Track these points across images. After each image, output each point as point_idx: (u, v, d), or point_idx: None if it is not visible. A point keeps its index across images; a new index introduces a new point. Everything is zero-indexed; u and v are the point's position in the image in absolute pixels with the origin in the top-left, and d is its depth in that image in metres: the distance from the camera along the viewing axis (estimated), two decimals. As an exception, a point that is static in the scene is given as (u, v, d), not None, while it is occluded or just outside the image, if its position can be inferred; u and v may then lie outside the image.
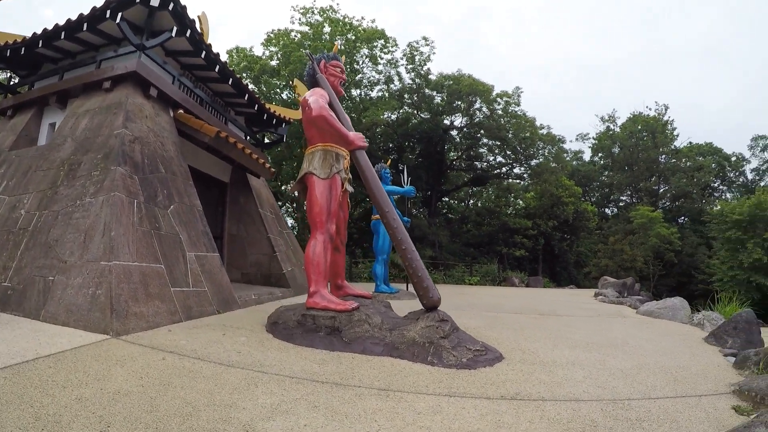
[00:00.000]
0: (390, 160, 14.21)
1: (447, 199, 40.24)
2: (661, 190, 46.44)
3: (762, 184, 46.08)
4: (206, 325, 5.91)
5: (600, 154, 49.50)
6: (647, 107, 65.39)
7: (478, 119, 31.00)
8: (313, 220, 5.68)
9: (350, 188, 6.27)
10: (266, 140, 15.07)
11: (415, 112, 31.42)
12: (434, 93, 30.81)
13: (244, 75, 26.93)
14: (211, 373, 4.02)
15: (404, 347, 4.78)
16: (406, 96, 30.82)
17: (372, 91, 30.53)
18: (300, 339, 5.15)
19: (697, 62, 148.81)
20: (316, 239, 5.60)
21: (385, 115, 29.74)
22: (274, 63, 28.72)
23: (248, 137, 13.24)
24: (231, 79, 10.59)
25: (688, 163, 45.50)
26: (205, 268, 7.32)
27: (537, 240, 34.96)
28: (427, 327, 4.88)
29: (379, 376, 4.23)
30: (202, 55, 9.47)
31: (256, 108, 12.17)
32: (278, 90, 28.72)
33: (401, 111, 31.08)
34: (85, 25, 8.45)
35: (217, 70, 10.09)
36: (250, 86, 20.90)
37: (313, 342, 5.05)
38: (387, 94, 30.07)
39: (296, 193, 6.33)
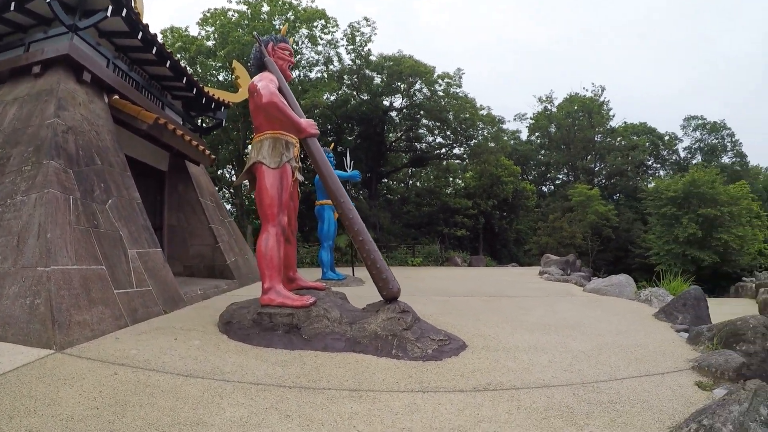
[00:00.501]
0: (333, 144, 13.98)
1: (387, 180, 40.27)
2: (597, 168, 48.06)
3: (694, 162, 49.02)
4: (155, 329, 5.56)
5: (537, 134, 51.02)
6: (584, 88, 67.63)
7: (418, 100, 31.23)
8: (264, 212, 5.42)
9: (300, 177, 6.05)
10: (204, 125, 14.51)
11: (355, 93, 31.33)
12: (374, 74, 30.75)
13: (180, 56, 25.92)
14: (169, 386, 3.74)
15: (367, 341, 4.66)
16: (345, 77, 30.66)
17: (311, 72, 30.05)
18: (258, 339, 4.92)
19: (635, 44, 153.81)
20: (268, 232, 5.35)
21: (325, 97, 29.34)
22: (210, 44, 27.73)
23: (186, 122, 12.69)
24: (169, 62, 10.00)
25: (623, 143, 47.74)
26: (149, 266, 6.94)
27: (477, 219, 35.60)
28: (388, 319, 4.76)
29: (347, 375, 4.11)
30: (139, 36, 8.87)
31: (194, 91, 11.58)
32: (215, 72, 27.82)
33: (340, 92, 30.86)
34: (13, 4, 7.78)
35: (154, 51, 9.47)
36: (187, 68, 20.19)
37: (271, 341, 4.83)
38: (326, 75, 29.63)
39: (246, 184, 6.04)
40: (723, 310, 18.62)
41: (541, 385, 3.87)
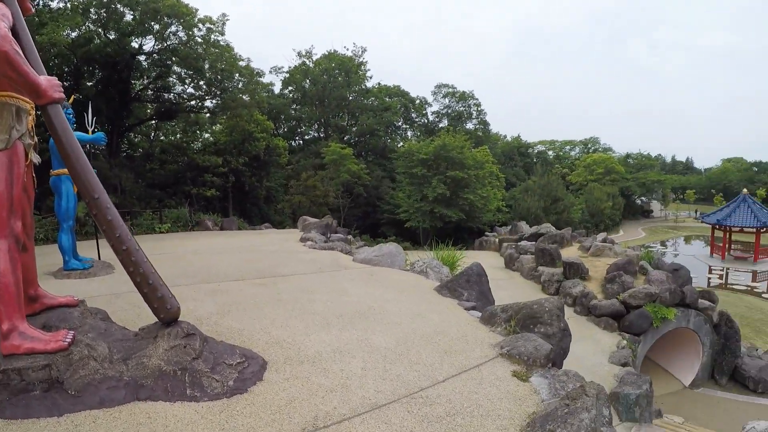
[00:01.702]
0: (73, 98, 11.47)
1: (130, 134, 36.70)
2: (349, 126, 49.60)
3: (440, 125, 53.33)
4: None
5: (291, 88, 50.58)
6: (345, 47, 68.89)
7: (173, 45, 28.94)
8: None
9: (36, 159, 4.23)
10: None
11: (101, 31, 27.75)
12: (127, 9, 27.25)
13: None
14: None
15: (152, 382, 3.59)
16: (92, 11, 26.84)
17: (53, 1, 25.55)
18: (10, 410, 3.37)
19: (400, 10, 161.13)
20: None
21: (65, 33, 25.14)
22: None
23: None
24: None
25: (377, 103, 49.40)
26: None
27: (227, 178, 34.47)
28: (172, 348, 3.75)
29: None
30: None
31: None
32: None
33: (84, 29, 26.83)
34: None
35: None
36: None
37: (29, 409, 3.28)
38: (69, 7, 25.47)
39: None
40: (473, 261, 20.25)
41: (371, 407, 3.59)
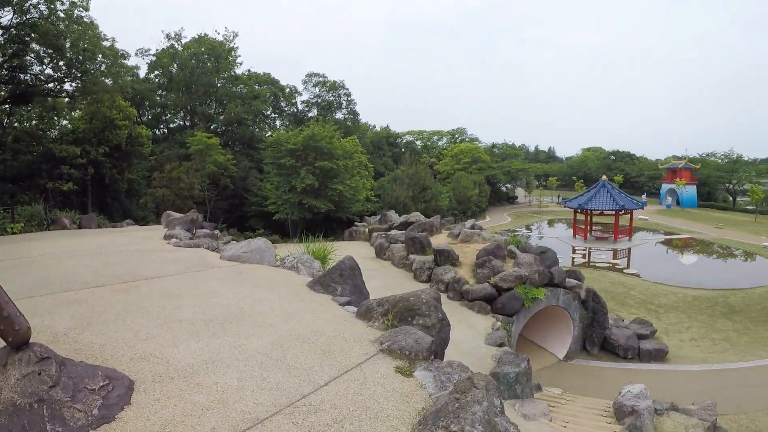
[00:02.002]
0: None
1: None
2: (216, 114, 48.00)
3: (310, 115, 52.86)
4: None
5: (157, 72, 48.01)
6: (216, 31, 66.32)
7: (32, 19, 25.80)
8: None
9: None
10: None
11: None
12: None
13: None
14: None
15: (6, 420, 3.12)
16: None
17: None
18: None
19: None
20: None
21: None
22: None
23: None
24: None
25: (245, 91, 48.14)
26: None
27: (86, 170, 32.07)
28: (24, 377, 3.27)
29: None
30: None
31: None
32: None
33: None
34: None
35: None
36: None
37: None
38: None
39: None
40: (345, 252, 20.36)
41: (252, 422, 3.40)
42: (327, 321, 5.86)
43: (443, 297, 17.05)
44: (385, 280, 17.87)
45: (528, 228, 58.91)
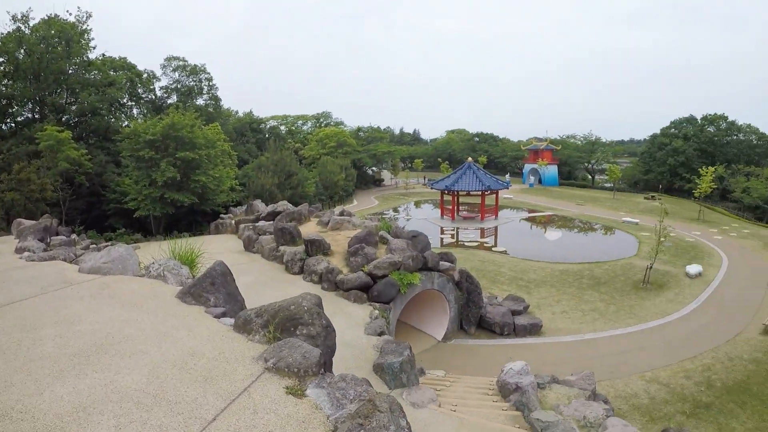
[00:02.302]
0: None
1: None
2: (68, 105, 44.39)
3: (169, 101, 50.09)
4: None
5: (1, 59, 43.29)
6: (68, 11, 60.91)
7: None
8: None
9: None
10: None
11: None
12: None
13: None
14: None
15: None
16: None
17: None
18: None
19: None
20: None
21: None
22: None
23: None
24: None
25: (100, 77, 44.80)
26: None
27: None
28: None
29: None
30: None
31: None
32: None
33: None
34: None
35: None
36: None
37: None
38: None
39: None
40: (213, 248, 19.72)
41: None
42: (204, 339, 5.55)
43: (317, 288, 17.11)
44: (257, 275, 17.54)
45: (395, 210, 60.41)
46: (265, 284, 16.58)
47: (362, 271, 17.00)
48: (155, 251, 23.01)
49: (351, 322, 14.41)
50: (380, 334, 14.04)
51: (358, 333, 13.69)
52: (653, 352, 19.65)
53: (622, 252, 36.19)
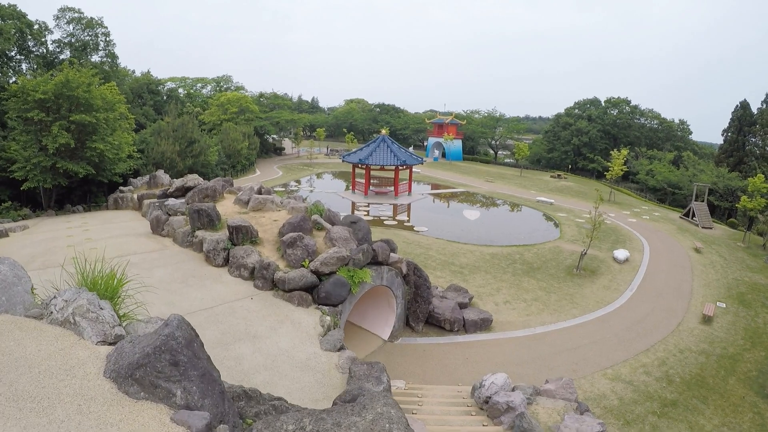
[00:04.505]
0: None
1: None
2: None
3: (62, 57, 44.29)
4: None
5: None
6: None
7: None
8: None
9: None
10: None
11: None
12: None
13: None
14: None
15: None
16: None
17: None
18: None
19: None
20: None
21: None
22: None
23: None
24: None
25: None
26: None
27: None
28: None
29: None
30: None
31: None
32: None
33: None
34: None
35: None
36: None
37: None
38: None
39: None
40: (115, 231, 16.56)
41: None
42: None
43: (249, 286, 14.12)
44: (172, 269, 14.46)
45: (298, 182, 57.26)
46: (184, 281, 13.55)
47: (304, 267, 14.03)
48: (48, 233, 19.03)
49: (301, 333, 11.58)
50: (340, 349, 11.32)
51: (313, 349, 10.96)
52: (607, 346, 18.82)
53: (546, 235, 35.73)
